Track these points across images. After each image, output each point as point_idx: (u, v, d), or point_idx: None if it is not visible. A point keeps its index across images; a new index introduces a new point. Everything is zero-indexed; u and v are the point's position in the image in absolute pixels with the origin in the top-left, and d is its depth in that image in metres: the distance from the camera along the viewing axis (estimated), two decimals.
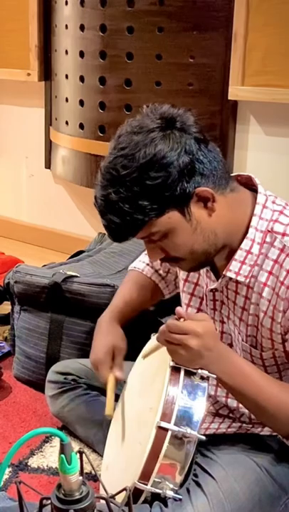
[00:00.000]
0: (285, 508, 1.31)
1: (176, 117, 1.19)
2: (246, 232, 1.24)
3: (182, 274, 1.43)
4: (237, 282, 1.27)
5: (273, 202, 1.27)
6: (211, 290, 1.34)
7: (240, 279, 1.25)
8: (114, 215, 1.17)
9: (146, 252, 1.60)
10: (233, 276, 1.25)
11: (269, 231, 1.23)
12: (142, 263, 1.66)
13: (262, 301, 1.24)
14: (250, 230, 1.23)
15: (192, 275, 1.41)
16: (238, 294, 1.28)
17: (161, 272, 1.62)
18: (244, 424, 1.39)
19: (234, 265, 1.24)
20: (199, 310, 1.40)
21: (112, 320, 1.58)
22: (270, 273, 1.22)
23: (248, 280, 1.25)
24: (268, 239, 1.23)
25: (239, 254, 1.24)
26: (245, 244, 1.23)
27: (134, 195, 1.14)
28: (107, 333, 1.55)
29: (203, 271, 1.36)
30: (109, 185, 1.17)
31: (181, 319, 1.17)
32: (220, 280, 1.29)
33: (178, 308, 1.19)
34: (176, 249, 1.23)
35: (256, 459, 1.31)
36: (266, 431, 1.36)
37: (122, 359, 1.50)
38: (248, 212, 1.25)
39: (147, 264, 1.64)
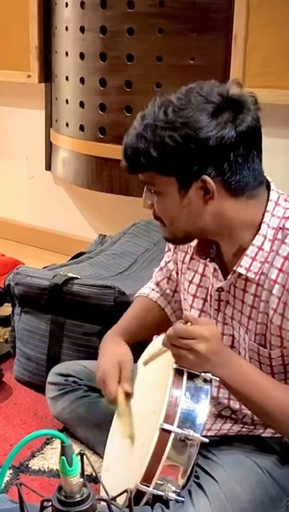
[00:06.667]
0: (287, 509, 1.31)
1: (242, 104, 1.19)
2: (259, 228, 1.24)
3: (187, 276, 1.43)
4: (246, 280, 1.27)
5: (285, 200, 1.28)
6: (218, 289, 1.33)
7: (250, 275, 1.25)
8: (133, 142, 1.21)
9: (153, 279, 1.61)
10: (244, 272, 1.25)
11: (281, 228, 1.24)
12: (148, 289, 1.62)
13: (272, 299, 1.24)
14: (263, 226, 1.24)
15: (196, 276, 1.40)
16: (247, 292, 1.28)
17: (168, 291, 1.57)
18: (246, 426, 1.39)
19: (245, 261, 1.24)
20: (202, 311, 1.39)
21: (116, 336, 1.54)
22: (281, 270, 1.22)
23: (257, 277, 1.25)
24: (279, 236, 1.24)
25: (251, 250, 1.24)
26: (257, 240, 1.24)
27: (152, 142, 1.17)
28: (111, 348, 1.50)
29: (210, 270, 1.36)
30: (147, 117, 1.20)
31: (188, 323, 1.17)
32: (229, 276, 1.29)
33: (186, 313, 1.19)
34: (160, 212, 1.27)
35: (258, 461, 1.31)
36: (268, 432, 1.36)
37: (128, 373, 1.43)
38: (262, 209, 1.25)
39: (152, 290, 1.61)
